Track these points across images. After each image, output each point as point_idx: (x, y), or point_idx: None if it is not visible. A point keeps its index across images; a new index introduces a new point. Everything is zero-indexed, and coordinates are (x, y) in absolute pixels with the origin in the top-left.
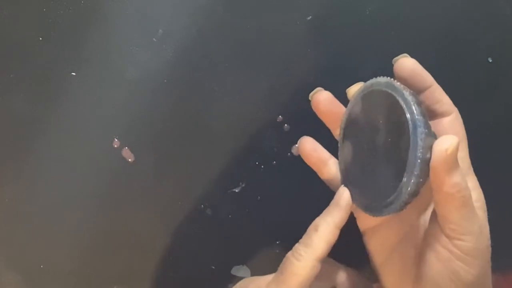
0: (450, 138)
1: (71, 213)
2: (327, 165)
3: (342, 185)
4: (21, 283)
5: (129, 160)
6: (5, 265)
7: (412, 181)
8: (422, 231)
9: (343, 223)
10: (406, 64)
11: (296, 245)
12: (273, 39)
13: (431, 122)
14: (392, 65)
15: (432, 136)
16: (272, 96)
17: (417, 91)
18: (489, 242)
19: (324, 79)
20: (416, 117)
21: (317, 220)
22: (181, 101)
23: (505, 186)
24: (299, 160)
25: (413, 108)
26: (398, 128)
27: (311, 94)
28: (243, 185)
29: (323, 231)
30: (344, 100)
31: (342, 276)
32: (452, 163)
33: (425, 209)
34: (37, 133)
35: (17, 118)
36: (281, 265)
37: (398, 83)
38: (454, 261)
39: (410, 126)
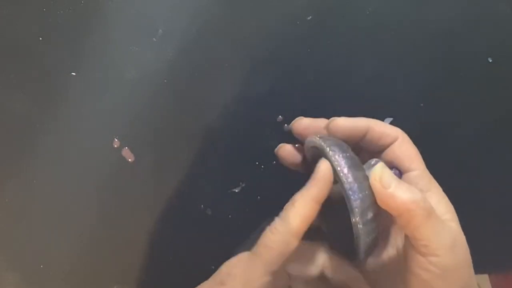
0: (376, 168)
1: (71, 213)
2: None
3: (322, 158)
4: (21, 283)
5: (129, 160)
6: (5, 265)
7: (361, 231)
8: (401, 259)
9: (321, 197)
10: (338, 124)
11: (275, 218)
12: (273, 39)
13: (384, 153)
14: (392, 66)
15: (366, 181)
16: (272, 96)
17: (358, 138)
18: (468, 252)
19: (324, 79)
20: (346, 175)
21: (295, 195)
22: (181, 101)
23: (505, 186)
24: None
25: (340, 169)
26: (338, 182)
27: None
28: (243, 185)
29: (299, 205)
30: (343, 100)
31: (328, 260)
32: (391, 184)
33: (400, 237)
34: (37, 133)
35: (17, 118)
36: (258, 239)
37: (327, 145)
38: (434, 281)
39: (341, 187)
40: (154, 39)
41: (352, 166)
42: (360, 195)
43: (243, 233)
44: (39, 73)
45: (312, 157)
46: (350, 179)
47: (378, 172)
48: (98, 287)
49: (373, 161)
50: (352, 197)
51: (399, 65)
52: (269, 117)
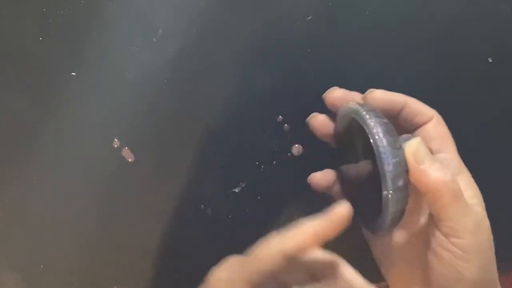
0: (413, 141)
1: (71, 213)
2: None
3: (343, 200)
4: (21, 283)
5: (129, 160)
6: (5, 265)
7: (390, 197)
8: (424, 235)
9: (326, 236)
10: (376, 96)
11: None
12: (273, 39)
13: (417, 132)
14: (392, 66)
15: (400, 149)
16: (272, 96)
17: (394, 113)
18: (490, 237)
19: (324, 79)
20: (381, 139)
21: (307, 219)
22: (181, 101)
23: (505, 186)
24: (299, 160)
25: (376, 131)
26: (370, 151)
27: (307, 119)
28: (243, 185)
29: (302, 232)
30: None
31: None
32: (424, 160)
33: (425, 213)
34: (37, 133)
35: (17, 118)
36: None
37: (364, 109)
38: (455, 261)
39: (375, 150)
40: (154, 39)
41: (387, 132)
42: (394, 160)
43: (243, 233)
44: (39, 73)
45: (344, 128)
46: (385, 143)
47: (414, 146)
48: (98, 287)
49: (406, 136)
50: (385, 161)
51: (399, 65)
52: (269, 117)
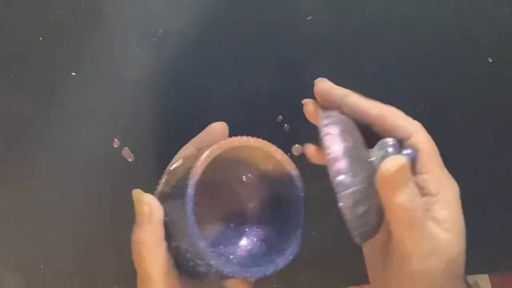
0: (392, 160)
1: (71, 213)
2: None
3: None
4: (21, 283)
5: (129, 160)
6: (5, 265)
7: (353, 226)
8: (384, 250)
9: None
10: (349, 103)
11: None
12: (273, 39)
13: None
14: (392, 66)
15: (361, 169)
16: (272, 96)
17: (368, 123)
18: (448, 264)
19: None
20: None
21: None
22: (181, 101)
23: (505, 186)
24: (299, 160)
25: (331, 149)
26: None
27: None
28: None
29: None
30: None
31: None
32: (394, 183)
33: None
34: (37, 133)
35: (17, 118)
36: None
37: (324, 123)
38: (404, 279)
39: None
40: (154, 39)
41: (348, 156)
42: (350, 190)
43: None
44: (39, 73)
45: None
46: (342, 171)
47: (392, 169)
48: (98, 287)
49: (390, 141)
50: (339, 193)
51: (399, 65)
52: (269, 117)
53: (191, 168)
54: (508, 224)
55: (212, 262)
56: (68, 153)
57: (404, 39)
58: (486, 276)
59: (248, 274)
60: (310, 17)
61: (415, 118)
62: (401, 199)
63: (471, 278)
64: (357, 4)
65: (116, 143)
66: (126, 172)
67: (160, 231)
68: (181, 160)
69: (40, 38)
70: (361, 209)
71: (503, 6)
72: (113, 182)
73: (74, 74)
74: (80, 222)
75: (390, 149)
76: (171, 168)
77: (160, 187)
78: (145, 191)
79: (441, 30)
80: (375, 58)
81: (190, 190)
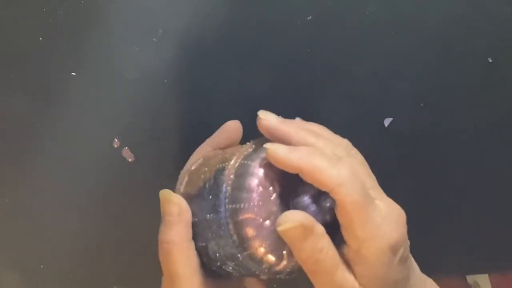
0: (285, 216)
1: (71, 213)
2: None
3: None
4: (21, 283)
5: (129, 160)
6: (5, 265)
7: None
8: None
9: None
10: (270, 155)
11: None
12: (273, 39)
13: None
14: (392, 66)
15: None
16: (272, 96)
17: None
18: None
19: (324, 79)
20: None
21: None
22: (181, 101)
23: (505, 186)
24: None
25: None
26: None
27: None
28: None
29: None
30: (343, 100)
31: None
32: (291, 237)
33: None
34: (37, 133)
35: (17, 118)
36: None
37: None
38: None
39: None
40: (154, 39)
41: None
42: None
43: None
44: (39, 73)
45: None
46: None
47: (280, 226)
48: (98, 287)
49: (305, 197)
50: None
51: (399, 65)
52: None
53: (223, 170)
54: (508, 224)
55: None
56: (68, 153)
57: (404, 39)
58: (486, 276)
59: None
60: (310, 17)
61: (415, 118)
62: (302, 253)
63: (471, 278)
64: (357, 4)
65: (116, 143)
66: (126, 172)
67: (189, 232)
68: (201, 159)
69: (40, 38)
70: (230, 265)
71: (503, 6)
72: (113, 182)
73: (74, 74)
74: (80, 222)
75: (306, 200)
76: (192, 168)
77: (182, 188)
78: (145, 191)
79: (441, 30)
80: (375, 58)
81: (227, 189)
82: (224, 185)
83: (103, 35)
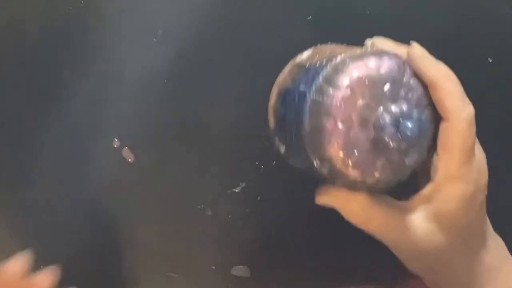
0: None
1: (71, 213)
2: None
3: None
4: None
5: (129, 160)
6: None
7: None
8: None
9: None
10: (412, 54)
11: None
12: (273, 39)
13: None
14: None
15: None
16: None
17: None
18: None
19: None
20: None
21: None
22: (181, 101)
23: (505, 186)
24: None
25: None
26: None
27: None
28: (243, 185)
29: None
30: None
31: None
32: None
33: None
34: (37, 133)
35: (17, 118)
36: None
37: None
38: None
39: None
40: (154, 39)
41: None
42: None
43: (243, 233)
44: (39, 73)
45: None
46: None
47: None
48: (98, 287)
49: (387, 118)
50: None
51: None
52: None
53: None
54: (508, 224)
55: None
56: (68, 153)
57: (404, 39)
58: None
59: None
60: (310, 17)
61: None
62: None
63: None
64: (357, 4)
65: (116, 143)
66: (126, 172)
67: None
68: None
69: (40, 38)
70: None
71: (503, 6)
72: (113, 182)
73: (74, 74)
74: (80, 222)
75: (387, 120)
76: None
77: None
78: (145, 191)
79: (441, 30)
80: None
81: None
82: (320, 74)
83: (103, 35)
